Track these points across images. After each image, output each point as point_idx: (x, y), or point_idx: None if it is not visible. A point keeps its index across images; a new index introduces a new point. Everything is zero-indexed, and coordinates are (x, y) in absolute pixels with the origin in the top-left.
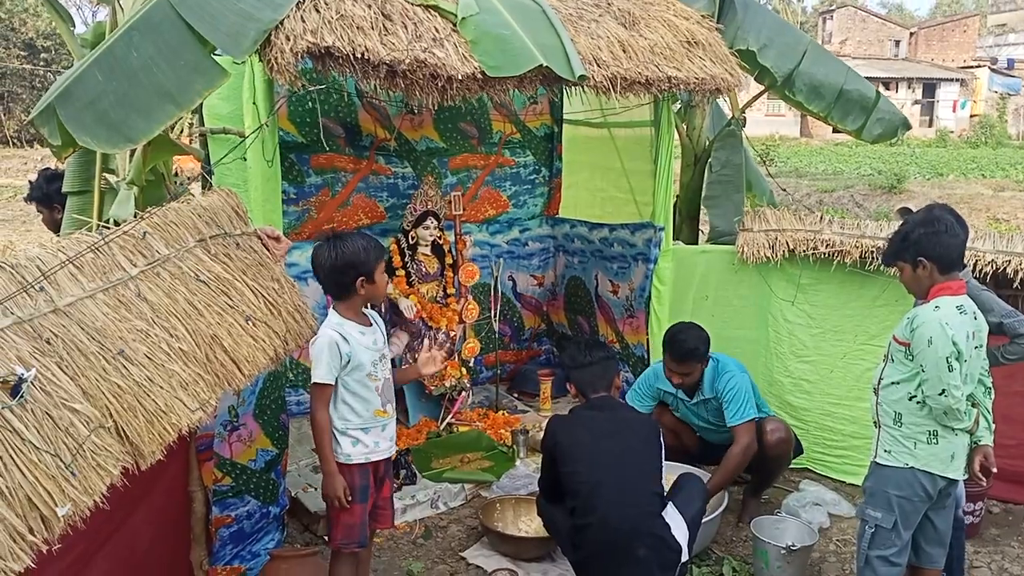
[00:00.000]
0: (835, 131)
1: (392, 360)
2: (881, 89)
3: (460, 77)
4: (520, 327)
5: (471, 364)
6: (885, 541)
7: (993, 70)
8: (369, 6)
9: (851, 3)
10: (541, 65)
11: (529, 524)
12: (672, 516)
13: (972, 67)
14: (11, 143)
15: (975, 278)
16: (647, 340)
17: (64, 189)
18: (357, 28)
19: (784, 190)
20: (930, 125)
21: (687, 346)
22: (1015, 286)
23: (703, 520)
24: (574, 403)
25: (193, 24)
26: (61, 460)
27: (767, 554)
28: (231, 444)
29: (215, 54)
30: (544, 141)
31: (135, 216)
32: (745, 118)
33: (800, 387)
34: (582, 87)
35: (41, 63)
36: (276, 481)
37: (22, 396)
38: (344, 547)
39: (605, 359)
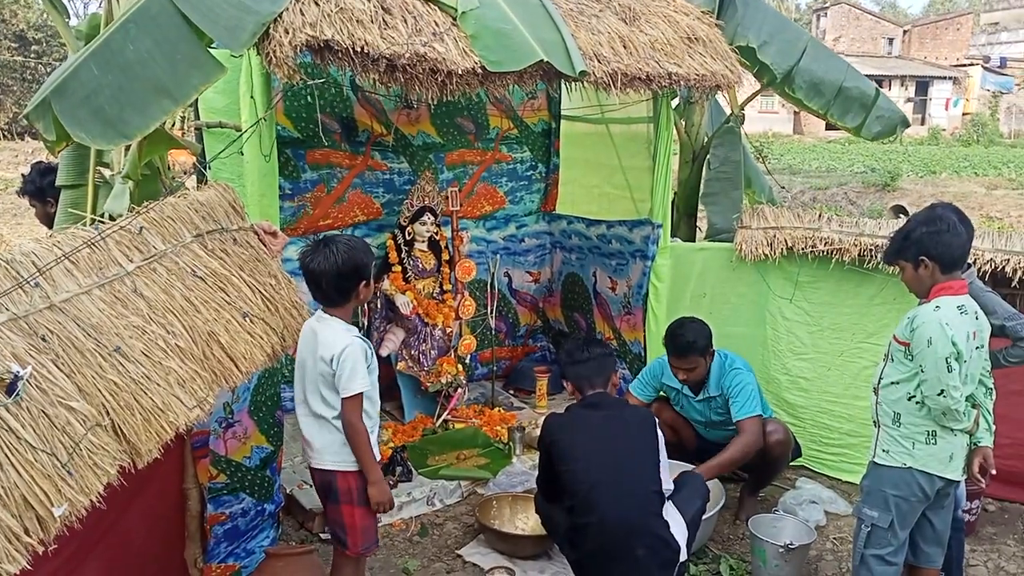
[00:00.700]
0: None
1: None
2: None
3: (460, 72)
4: (516, 324)
5: (467, 361)
6: (881, 540)
7: (986, 68)
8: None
9: (845, 0)
10: (542, 60)
11: (526, 522)
12: (672, 515)
13: (965, 65)
14: (2, 135)
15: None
16: (644, 337)
17: (58, 183)
18: (357, 22)
19: (783, 187)
20: (923, 123)
21: (686, 339)
22: (1014, 285)
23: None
24: (570, 400)
25: (191, 17)
26: (57, 459)
27: (765, 552)
28: (226, 441)
29: (211, 47)
30: (541, 137)
31: (130, 211)
32: (744, 115)
33: (797, 384)
34: (582, 83)
35: (32, 55)
36: (271, 478)
37: (18, 394)
38: (366, 551)
39: (602, 356)
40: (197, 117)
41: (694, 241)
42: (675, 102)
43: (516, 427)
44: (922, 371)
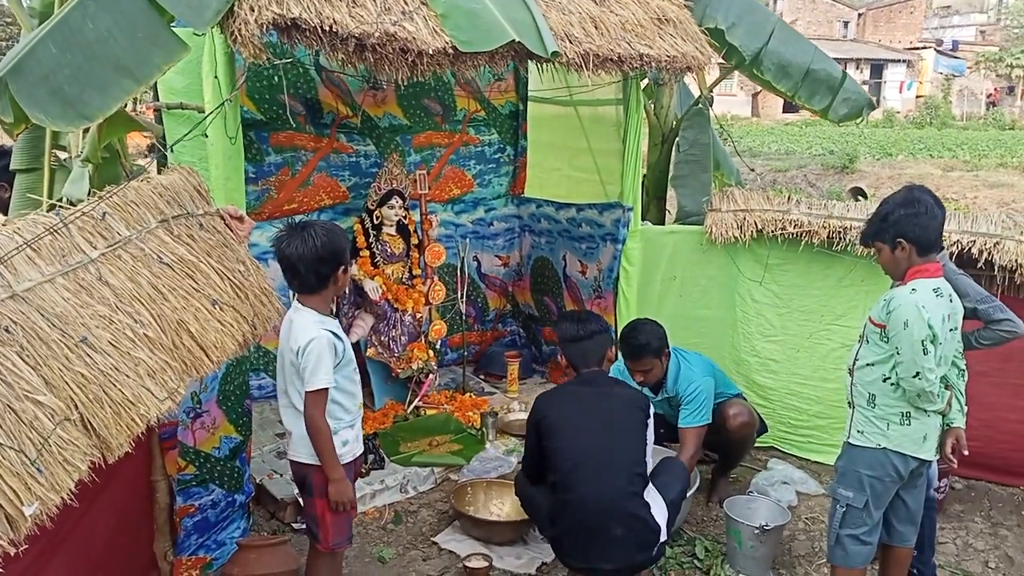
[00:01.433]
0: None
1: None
2: None
3: (431, 52)
4: (485, 308)
5: (437, 346)
6: (856, 520)
7: (939, 51)
8: None
9: None
10: (513, 41)
11: (501, 508)
12: (653, 497)
13: (918, 48)
14: None
15: None
16: (615, 320)
17: (12, 166)
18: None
19: (752, 170)
20: (877, 105)
21: (638, 341)
22: (979, 266)
23: None
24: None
25: None
26: (26, 456)
27: (740, 534)
28: (194, 432)
29: (173, 26)
30: (509, 119)
31: (90, 195)
32: (713, 97)
33: (767, 367)
34: (554, 64)
35: None
36: (241, 468)
37: None
38: (337, 547)
39: (599, 333)
40: (156, 98)
41: (664, 224)
42: (643, 84)
43: (489, 412)
44: (898, 353)
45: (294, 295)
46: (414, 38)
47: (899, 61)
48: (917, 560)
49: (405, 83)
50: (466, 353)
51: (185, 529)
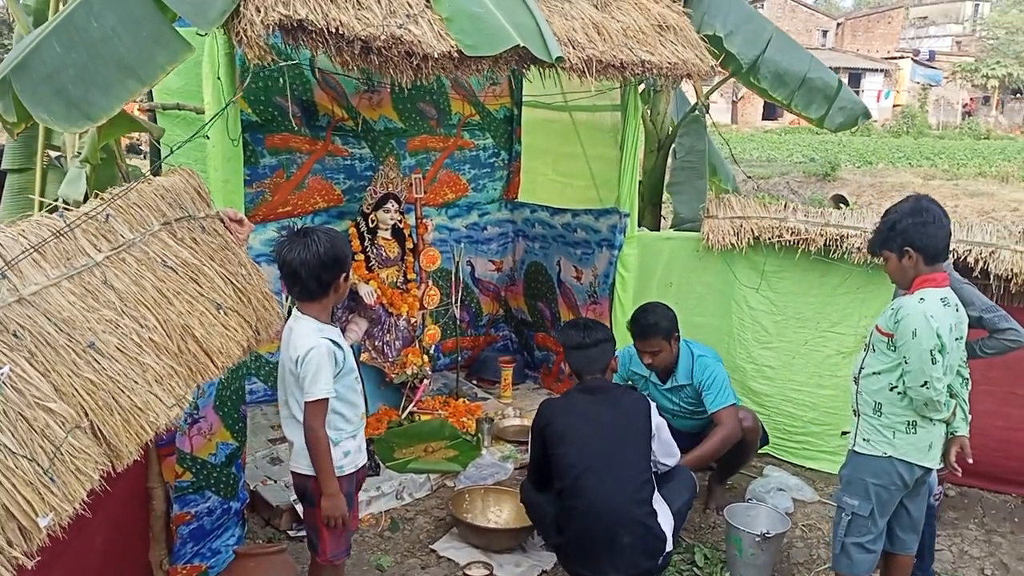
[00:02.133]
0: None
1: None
2: None
3: (436, 55)
4: (478, 313)
5: (431, 351)
6: (861, 528)
7: (916, 61)
8: None
9: None
10: (518, 46)
11: (499, 515)
12: (659, 505)
13: (896, 58)
14: None
15: None
16: (611, 326)
17: (3, 166)
18: (331, 1)
19: (749, 177)
20: (871, 115)
21: (647, 321)
22: (975, 275)
23: None
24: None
25: None
26: (39, 465)
27: (741, 541)
28: (191, 438)
29: (175, 25)
30: (503, 124)
31: (86, 196)
32: (709, 104)
33: (763, 373)
34: (556, 69)
35: None
36: (236, 475)
37: None
38: (335, 559)
39: (604, 341)
40: (150, 98)
41: (659, 230)
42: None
43: (484, 418)
44: (906, 362)
45: (286, 298)
46: (419, 41)
47: (877, 70)
48: (917, 567)
49: (409, 86)
50: (459, 358)
51: (181, 537)
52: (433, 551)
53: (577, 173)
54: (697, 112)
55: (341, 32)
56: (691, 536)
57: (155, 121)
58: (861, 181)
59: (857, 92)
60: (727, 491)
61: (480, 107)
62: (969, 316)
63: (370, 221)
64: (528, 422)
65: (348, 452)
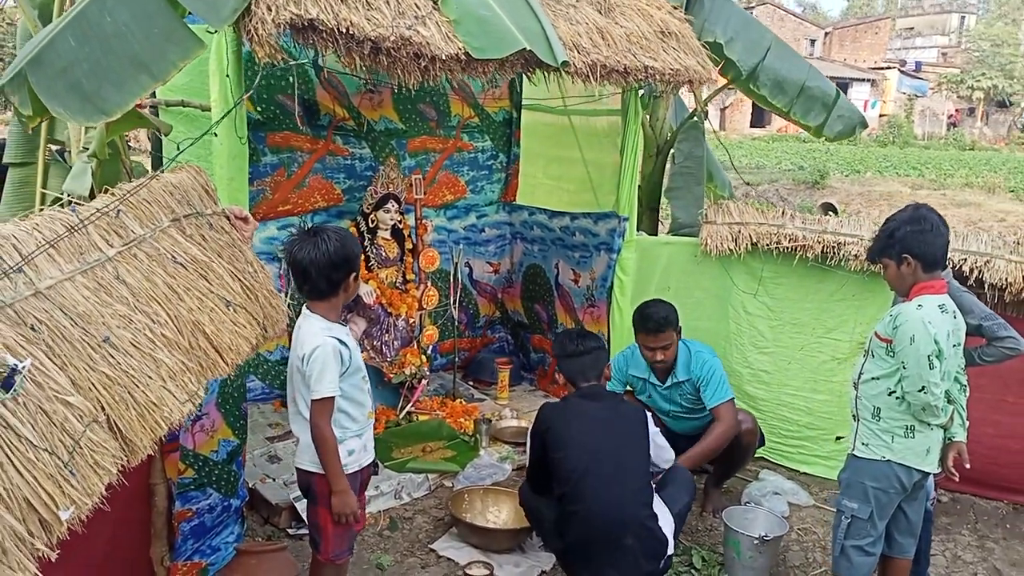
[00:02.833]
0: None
1: None
2: None
3: (444, 57)
4: (476, 314)
5: (428, 351)
6: (861, 531)
7: (902, 72)
8: None
9: (770, 1)
10: (524, 49)
11: (498, 515)
12: (659, 508)
13: (882, 68)
14: None
15: None
16: (608, 329)
17: (5, 160)
18: (341, 1)
19: (747, 183)
20: (868, 124)
21: (660, 315)
22: (970, 284)
23: None
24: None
25: None
26: (59, 458)
27: (739, 544)
28: (194, 434)
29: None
30: (503, 126)
31: (92, 191)
32: (707, 111)
33: (759, 378)
34: (560, 73)
35: None
36: (237, 472)
37: (15, 389)
38: (337, 558)
39: (596, 349)
40: (153, 95)
41: (656, 234)
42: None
43: (482, 419)
44: (904, 368)
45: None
46: (428, 43)
47: (864, 80)
48: (913, 572)
49: (416, 88)
50: (456, 359)
51: (182, 534)
52: (432, 551)
53: (575, 177)
54: (696, 118)
55: (351, 32)
56: (688, 539)
57: (156, 117)
58: (850, 190)
59: None
60: (723, 494)
61: (479, 109)
62: (968, 324)
63: (370, 221)
64: (525, 423)
65: (352, 451)
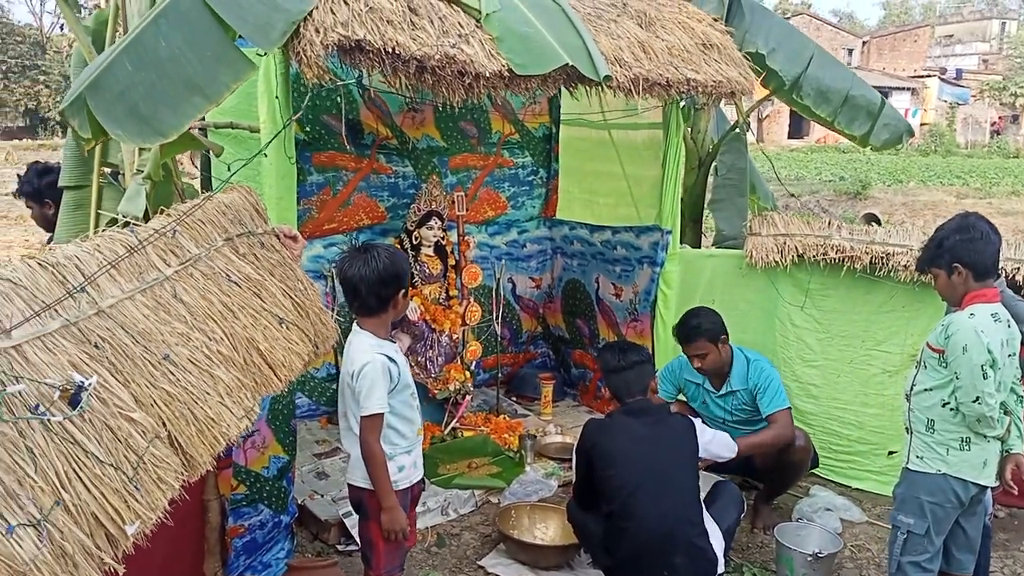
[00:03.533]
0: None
1: None
2: None
3: (487, 74)
4: (519, 330)
5: (472, 367)
6: (918, 547)
7: (943, 80)
8: None
9: (805, 11)
10: (566, 64)
11: (545, 532)
12: (708, 524)
13: (922, 76)
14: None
15: None
16: (652, 343)
17: (61, 183)
18: (387, 22)
19: (792, 195)
20: (914, 133)
21: (691, 324)
22: (1023, 293)
23: None
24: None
25: (220, 13)
26: (124, 473)
27: (792, 561)
28: (245, 451)
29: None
30: (542, 142)
31: (146, 212)
32: (749, 122)
33: (807, 392)
34: (602, 87)
35: None
36: (286, 488)
37: (82, 406)
38: (388, 574)
39: (641, 363)
40: (202, 117)
41: (699, 247)
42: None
43: (527, 435)
44: (957, 378)
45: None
46: (472, 61)
47: (903, 89)
48: None
49: (459, 105)
50: (499, 375)
51: (235, 550)
52: (481, 567)
53: (615, 191)
54: (738, 130)
55: (397, 52)
56: (739, 556)
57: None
58: (892, 200)
59: None
60: (773, 511)
61: (519, 125)
62: (1023, 332)
63: (414, 238)
64: (570, 439)
65: (403, 467)
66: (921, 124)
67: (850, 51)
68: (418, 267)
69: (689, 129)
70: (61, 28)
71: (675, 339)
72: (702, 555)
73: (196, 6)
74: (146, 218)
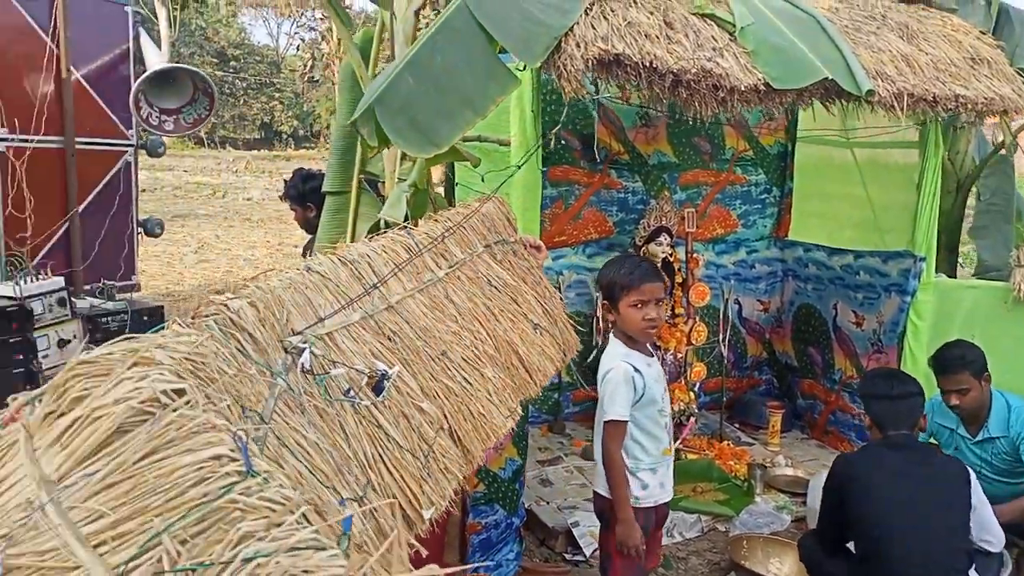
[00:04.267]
0: None
1: None
2: None
3: (742, 88)
4: (743, 354)
5: (696, 388)
6: None
7: None
8: (651, 13)
9: None
10: (825, 78)
11: (779, 567)
12: None
13: None
14: (205, 144)
15: None
16: None
17: (324, 189)
18: (645, 36)
19: None
20: None
21: (953, 354)
22: None
23: None
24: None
25: (490, 29)
26: (419, 460)
27: None
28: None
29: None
30: (777, 159)
31: (406, 217)
32: (1018, 143)
33: None
34: (862, 103)
35: (231, 70)
36: (518, 491)
37: (384, 394)
38: None
39: (914, 395)
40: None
41: (954, 277)
42: None
43: (756, 464)
44: None
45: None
46: (727, 74)
47: None
48: None
49: (706, 120)
50: (723, 399)
51: (472, 546)
52: None
53: (854, 213)
54: (1004, 151)
55: (654, 66)
56: None
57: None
58: None
59: None
60: None
61: (754, 141)
62: None
63: (642, 254)
64: (802, 473)
65: (646, 485)
66: None
67: None
68: None
69: (947, 150)
70: (297, 49)
71: (931, 369)
72: None
73: (468, 23)
74: (406, 222)
